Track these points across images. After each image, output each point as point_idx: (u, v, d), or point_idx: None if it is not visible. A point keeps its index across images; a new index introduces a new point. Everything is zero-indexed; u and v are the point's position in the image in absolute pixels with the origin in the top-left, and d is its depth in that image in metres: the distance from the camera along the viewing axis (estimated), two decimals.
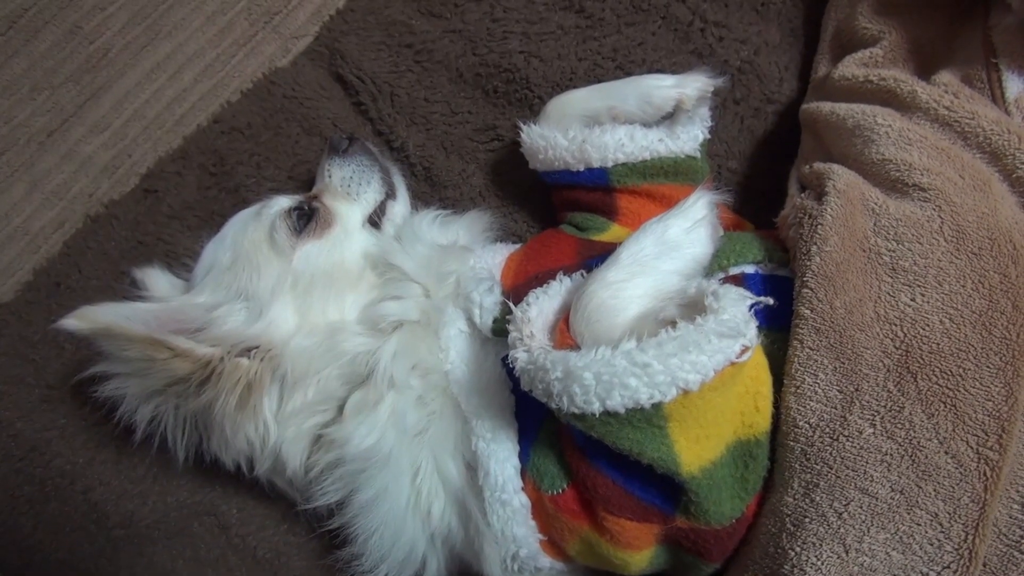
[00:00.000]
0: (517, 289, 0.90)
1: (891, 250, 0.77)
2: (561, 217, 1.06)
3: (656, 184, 0.99)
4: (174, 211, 1.14)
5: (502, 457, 0.82)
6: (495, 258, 0.97)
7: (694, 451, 0.72)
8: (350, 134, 1.08)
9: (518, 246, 1.01)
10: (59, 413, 1.03)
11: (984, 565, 0.70)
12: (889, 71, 0.96)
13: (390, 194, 1.04)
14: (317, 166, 1.07)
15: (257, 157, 1.16)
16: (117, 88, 1.29)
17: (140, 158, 1.25)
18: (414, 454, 0.85)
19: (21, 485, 0.99)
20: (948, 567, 0.69)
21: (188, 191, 1.15)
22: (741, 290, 0.72)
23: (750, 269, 0.85)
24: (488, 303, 0.89)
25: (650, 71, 1.13)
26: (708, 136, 1.02)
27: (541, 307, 0.81)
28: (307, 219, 0.96)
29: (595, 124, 0.99)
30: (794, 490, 0.73)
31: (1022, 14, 0.92)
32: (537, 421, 0.82)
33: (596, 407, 0.68)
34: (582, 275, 0.83)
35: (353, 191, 1.01)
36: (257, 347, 0.88)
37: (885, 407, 0.72)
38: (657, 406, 0.68)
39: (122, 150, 1.26)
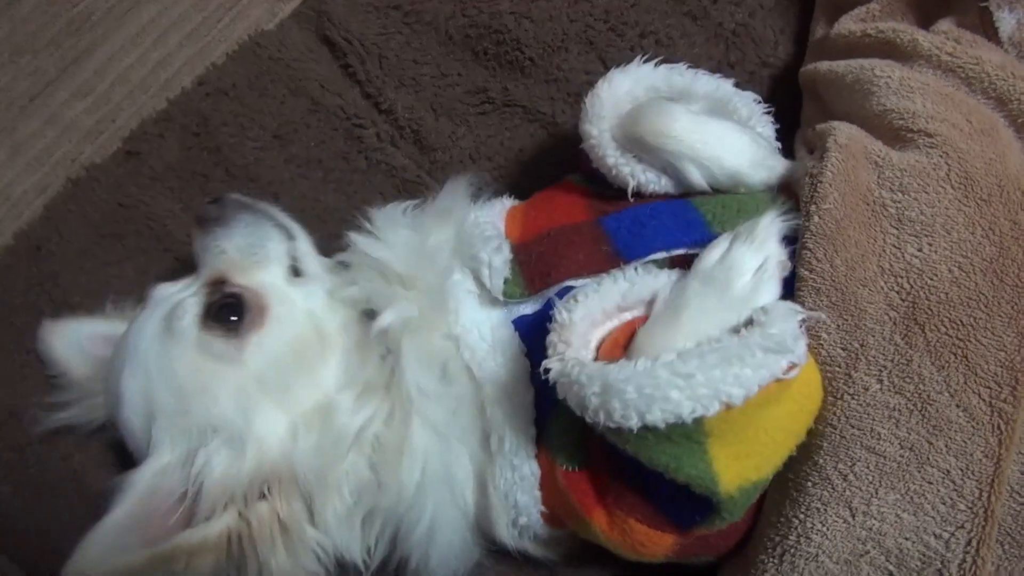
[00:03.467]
0: (528, 246, 0.86)
1: (896, 201, 0.75)
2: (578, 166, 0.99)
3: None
4: (156, 173, 1.12)
5: (518, 425, 0.78)
6: (494, 211, 0.91)
7: (734, 469, 0.68)
8: (212, 198, 0.94)
9: (516, 201, 0.96)
10: (39, 379, 1.00)
11: (999, 526, 0.67)
12: (887, 23, 0.93)
13: (289, 236, 0.92)
14: (302, 130, 1.04)
15: (241, 118, 1.14)
16: (100, 52, 1.28)
17: (124, 123, 1.23)
18: (446, 452, 0.81)
19: (1, 452, 0.98)
20: (962, 527, 0.67)
21: (170, 153, 1.12)
22: (792, 304, 0.68)
23: None
24: (497, 262, 0.83)
25: (643, 34, 1.12)
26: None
27: (589, 307, 0.75)
28: (233, 310, 0.83)
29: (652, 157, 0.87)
30: (795, 457, 0.71)
31: None
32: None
33: (635, 422, 0.64)
34: (635, 270, 0.79)
35: (259, 255, 0.88)
36: (265, 481, 0.78)
37: (892, 361, 0.69)
38: (698, 421, 0.64)
39: (106, 115, 1.24)
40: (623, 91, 0.89)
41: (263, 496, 0.78)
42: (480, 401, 0.80)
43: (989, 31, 0.89)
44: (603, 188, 0.91)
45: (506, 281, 0.83)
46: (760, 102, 0.93)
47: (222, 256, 0.88)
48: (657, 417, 0.64)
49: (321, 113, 1.15)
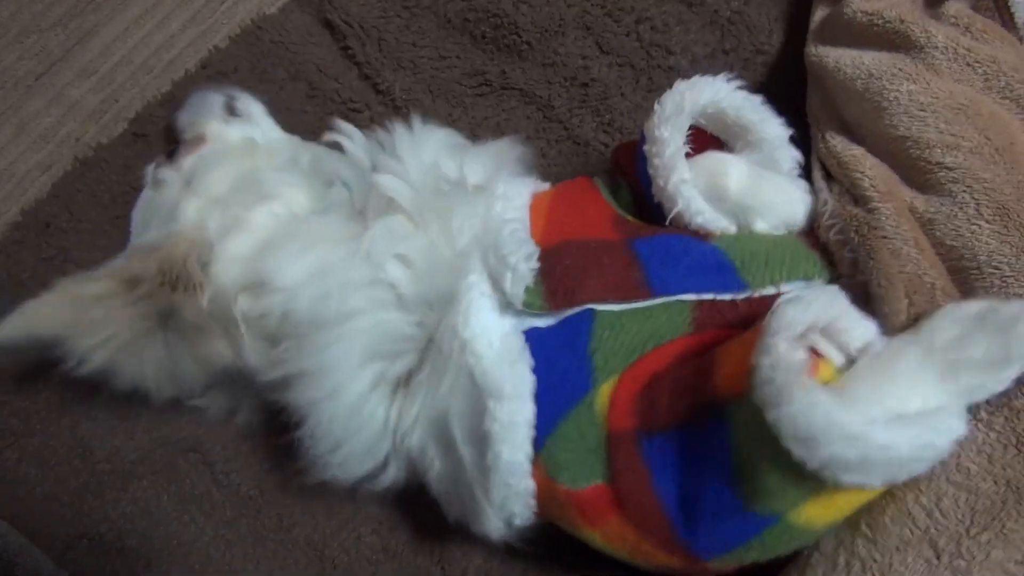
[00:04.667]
0: (553, 254, 0.80)
1: (941, 255, 0.73)
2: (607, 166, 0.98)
3: None
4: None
5: (515, 444, 0.75)
6: (520, 198, 0.87)
7: (817, 513, 0.65)
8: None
9: (542, 185, 0.93)
10: None
11: None
12: (895, 11, 0.90)
13: (232, 96, 1.04)
14: (299, 115, 1.08)
15: None
16: (105, 33, 1.29)
17: (128, 103, 1.24)
18: (381, 368, 0.81)
19: (6, 419, 1.00)
20: None
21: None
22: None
23: (800, 286, 0.77)
24: (523, 270, 0.79)
25: (639, 20, 1.14)
26: None
27: (810, 315, 0.66)
28: (174, 151, 0.98)
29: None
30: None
31: None
32: (560, 412, 0.76)
33: (814, 465, 0.59)
34: (842, 286, 0.73)
35: (201, 112, 1.02)
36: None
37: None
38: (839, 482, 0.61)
39: (110, 95, 1.25)
40: (701, 103, 0.84)
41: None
42: (475, 402, 0.77)
43: (1005, 15, 0.87)
44: (623, 201, 0.89)
45: (527, 290, 0.79)
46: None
47: (182, 131, 1.02)
48: (840, 477, 0.60)
49: (318, 99, 1.17)
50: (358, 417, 0.82)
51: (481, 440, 0.76)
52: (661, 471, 0.70)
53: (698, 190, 0.82)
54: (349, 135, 0.96)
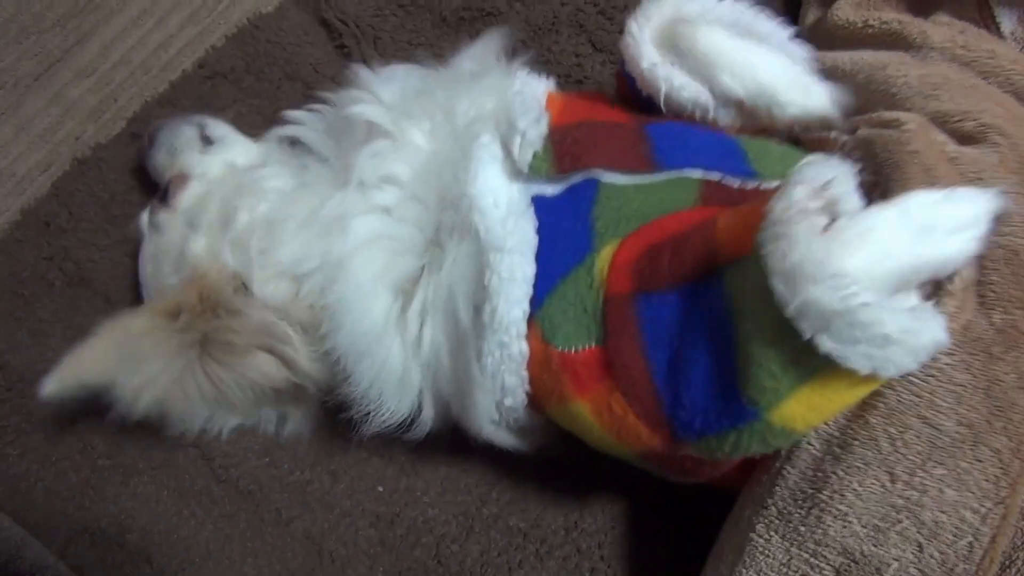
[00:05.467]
0: (565, 129, 0.82)
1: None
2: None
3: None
4: None
5: (513, 299, 0.75)
6: (538, 87, 0.88)
7: (798, 412, 0.65)
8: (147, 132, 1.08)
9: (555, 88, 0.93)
10: (47, 346, 1.05)
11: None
12: (888, 14, 0.92)
13: (201, 124, 1.03)
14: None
15: (239, 102, 1.17)
16: (104, 33, 1.30)
17: (126, 102, 1.25)
18: (399, 272, 0.83)
19: (8, 415, 1.02)
20: (1002, 502, 0.66)
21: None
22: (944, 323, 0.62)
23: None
24: (532, 135, 0.80)
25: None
26: None
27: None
28: (165, 195, 0.97)
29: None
30: (849, 412, 0.70)
31: None
32: (560, 270, 0.76)
33: (808, 333, 0.59)
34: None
35: (177, 147, 1.01)
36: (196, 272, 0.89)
37: (964, 338, 0.68)
38: (831, 362, 0.60)
39: (108, 94, 1.26)
40: (680, 4, 0.86)
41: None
42: (477, 264, 0.78)
43: (990, 25, 0.88)
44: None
45: (535, 156, 0.80)
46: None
47: (161, 168, 1.03)
48: (832, 348, 0.59)
49: (314, 99, 1.18)
50: (386, 340, 0.82)
51: (480, 300, 0.77)
52: (654, 334, 0.70)
53: (679, 55, 0.83)
54: (300, 121, 0.98)
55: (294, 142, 0.99)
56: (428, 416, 0.87)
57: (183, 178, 0.98)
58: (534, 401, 0.81)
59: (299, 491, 1.01)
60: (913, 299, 0.64)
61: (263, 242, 0.88)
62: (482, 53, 0.95)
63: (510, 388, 0.79)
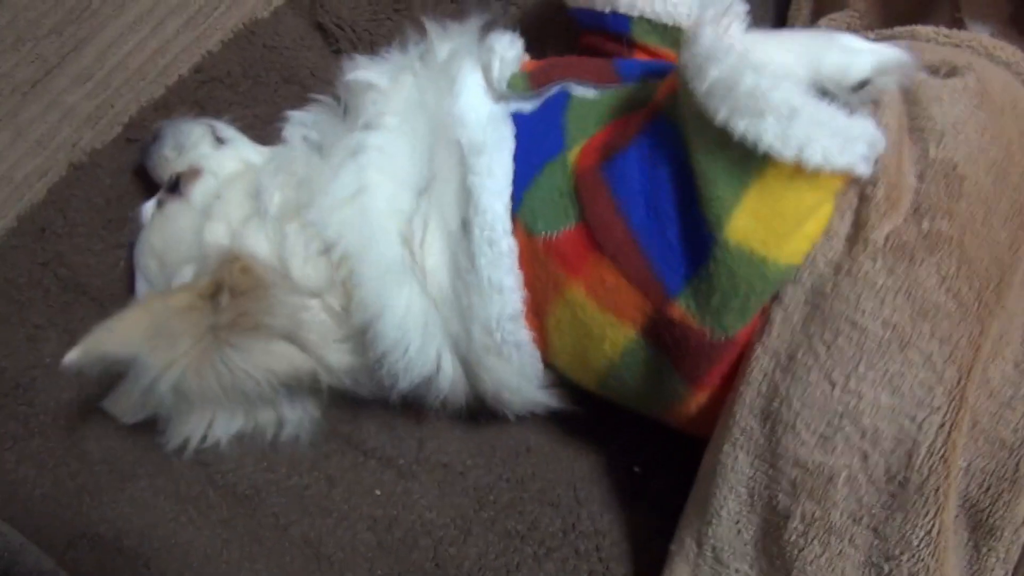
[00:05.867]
0: (536, 66, 0.92)
1: (910, 112, 0.77)
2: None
3: (676, 52, 0.95)
4: None
5: (494, 192, 0.81)
6: (516, 45, 0.95)
7: (748, 225, 0.71)
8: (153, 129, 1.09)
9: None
10: (44, 352, 1.05)
11: (975, 424, 0.70)
12: (871, 33, 0.95)
13: (212, 126, 1.05)
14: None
15: (236, 106, 1.17)
16: (100, 39, 1.30)
17: (123, 108, 1.25)
18: (404, 206, 0.86)
19: (5, 421, 1.02)
20: (937, 411, 0.69)
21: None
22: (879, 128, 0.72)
23: None
24: (509, 57, 0.89)
25: None
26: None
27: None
28: (175, 186, 0.98)
29: None
30: (793, 324, 0.74)
31: None
32: (536, 167, 0.82)
33: (722, 116, 0.67)
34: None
35: (186, 144, 1.03)
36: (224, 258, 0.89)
37: (889, 243, 0.72)
38: (765, 158, 0.68)
39: (105, 100, 1.27)
40: None
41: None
42: (462, 171, 0.84)
43: None
44: None
45: (512, 76, 0.89)
46: None
47: (165, 163, 1.04)
48: (742, 127, 0.67)
49: (314, 102, 1.18)
50: (405, 287, 0.85)
51: (466, 208, 0.82)
52: (625, 191, 0.76)
53: None
54: (302, 123, 1.00)
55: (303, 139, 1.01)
56: (448, 372, 0.89)
57: (195, 172, 0.99)
58: (534, 310, 0.84)
59: (296, 495, 1.01)
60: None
61: (301, 220, 0.89)
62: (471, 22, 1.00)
63: (507, 290, 0.82)
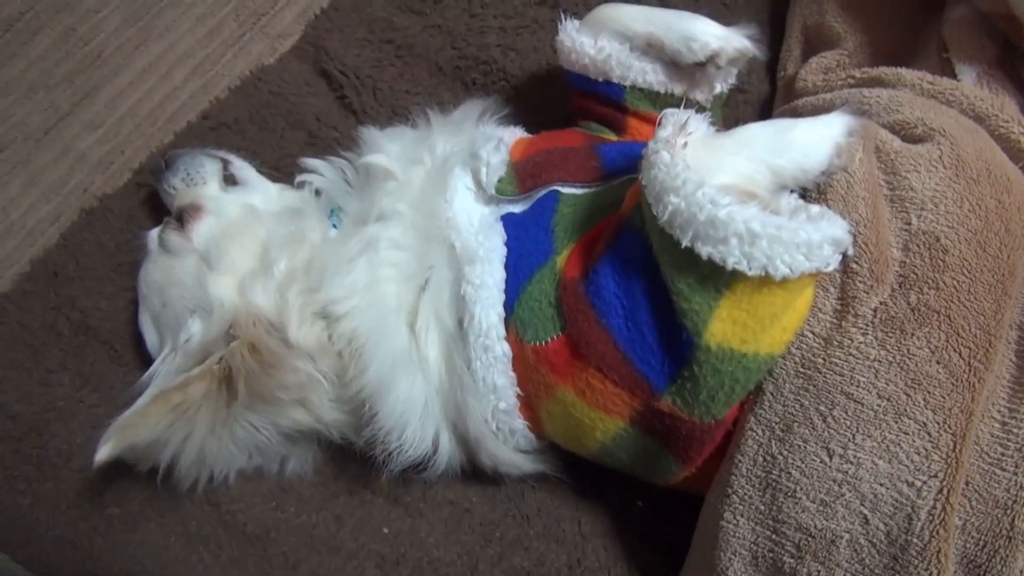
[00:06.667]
0: (526, 159, 0.94)
1: (889, 182, 0.80)
2: (574, 123, 1.09)
3: None
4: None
5: (487, 303, 0.84)
6: (505, 131, 1.00)
7: (727, 329, 0.73)
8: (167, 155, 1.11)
9: (526, 134, 1.05)
10: (57, 396, 1.07)
11: (968, 483, 0.72)
12: (856, 71, 1.00)
13: (226, 162, 1.08)
14: (296, 161, 1.11)
15: (243, 152, 1.19)
16: (111, 87, 1.33)
17: (133, 154, 1.28)
18: (410, 299, 0.90)
19: (19, 465, 1.03)
20: (935, 476, 0.71)
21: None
22: (844, 223, 0.74)
23: None
24: (495, 161, 0.93)
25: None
26: (726, 91, 1.04)
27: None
28: (180, 219, 1.01)
29: (629, 43, 0.98)
30: (785, 396, 0.76)
31: (976, 3, 0.96)
32: (525, 275, 0.85)
33: (688, 241, 0.70)
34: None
35: (196, 178, 1.05)
36: (230, 325, 0.92)
37: (879, 317, 0.74)
38: (734, 274, 0.70)
39: (115, 147, 1.29)
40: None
41: (233, 338, 0.91)
42: (456, 275, 0.87)
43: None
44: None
45: (500, 180, 0.92)
46: None
47: (175, 193, 1.06)
48: (706, 252, 0.70)
49: (318, 146, 1.21)
50: (408, 374, 0.88)
51: (461, 312, 0.86)
52: (603, 304, 0.79)
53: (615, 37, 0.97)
54: (316, 170, 1.06)
55: (311, 188, 1.06)
56: (446, 450, 0.92)
57: (198, 209, 1.02)
58: (527, 403, 0.87)
59: (305, 534, 1.02)
60: (794, 202, 0.76)
61: (304, 286, 0.93)
62: (471, 108, 1.05)
63: (501, 389, 0.86)
